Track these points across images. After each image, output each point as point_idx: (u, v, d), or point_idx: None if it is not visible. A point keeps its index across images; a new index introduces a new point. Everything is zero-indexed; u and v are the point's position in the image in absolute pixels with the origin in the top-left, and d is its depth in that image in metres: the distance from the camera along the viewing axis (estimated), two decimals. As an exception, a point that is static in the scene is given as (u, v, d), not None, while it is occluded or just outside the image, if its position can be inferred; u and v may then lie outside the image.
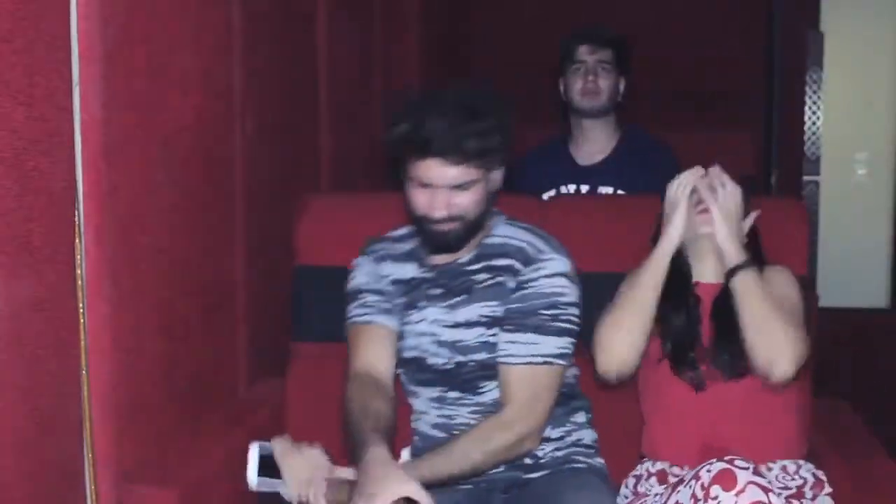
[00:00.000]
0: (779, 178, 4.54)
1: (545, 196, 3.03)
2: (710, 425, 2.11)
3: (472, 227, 2.10)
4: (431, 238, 2.11)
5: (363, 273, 2.23)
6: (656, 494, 2.08)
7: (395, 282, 2.20)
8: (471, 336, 2.12)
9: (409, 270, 2.20)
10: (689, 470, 2.07)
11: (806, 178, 4.70)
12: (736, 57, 4.56)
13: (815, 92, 4.71)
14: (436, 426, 2.18)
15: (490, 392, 2.13)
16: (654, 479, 2.13)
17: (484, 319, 2.12)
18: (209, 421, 2.22)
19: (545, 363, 2.05)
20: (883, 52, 5.09)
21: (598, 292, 2.17)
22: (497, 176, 2.11)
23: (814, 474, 2.09)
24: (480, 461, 2.01)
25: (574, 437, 2.18)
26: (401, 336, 2.18)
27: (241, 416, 2.32)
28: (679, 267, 2.17)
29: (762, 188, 4.33)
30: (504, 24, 4.89)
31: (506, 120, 2.08)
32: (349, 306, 2.21)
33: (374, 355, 2.14)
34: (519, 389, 2.04)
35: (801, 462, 2.11)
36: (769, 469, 2.07)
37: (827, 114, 4.77)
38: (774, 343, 2.02)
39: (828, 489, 2.06)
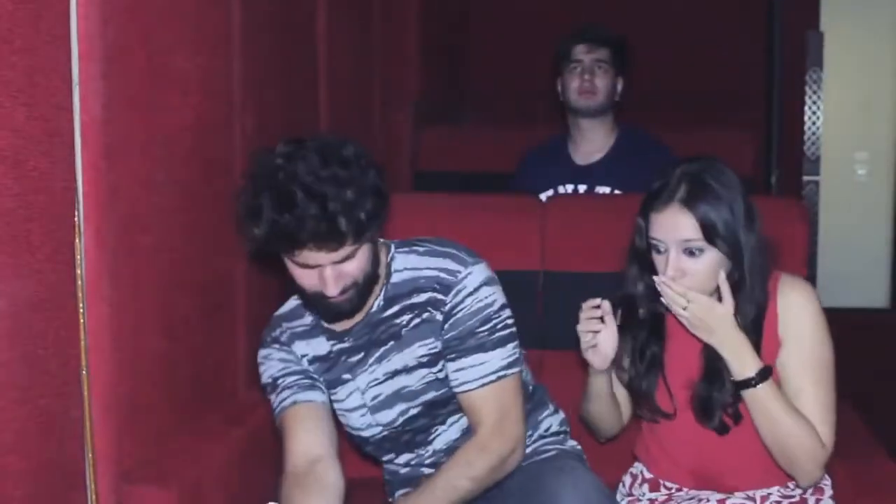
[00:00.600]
0: (779, 178, 4.54)
1: (543, 196, 3.04)
2: (703, 453, 2.01)
3: (368, 285, 1.96)
4: (328, 311, 1.97)
5: (273, 363, 2.09)
6: (649, 500, 2.07)
7: (314, 359, 2.09)
8: (414, 380, 2.04)
9: (321, 344, 2.08)
10: (678, 490, 2.05)
11: (806, 178, 4.70)
12: (736, 57, 4.55)
13: (815, 92, 4.71)
14: (405, 466, 2.15)
15: (441, 435, 2.09)
16: (646, 486, 2.11)
17: (425, 360, 2.03)
18: (209, 421, 2.22)
19: (499, 378, 1.99)
20: (883, 52, 5.09)
21: (593, 292, 2.15)
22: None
23: None
24: (468, 489, 1.96)
25: (540, 430, 2.16)
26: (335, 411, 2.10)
27: (240, 417, 2.32)
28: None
29: (762, 188, 4.33)
30: (504, 23, 4.89)
31: (374, 177, 1.87)
32: (271, 398, 2.07)
33: (308, 440, 1.99)
34: (485, 412, 1.98)
35: None
36: (766, 498, 2.00)
37: (827, 114, 4.77)
38: (793, 462, 1.90)
39: (829, 492, 2.04)
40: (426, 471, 2.09)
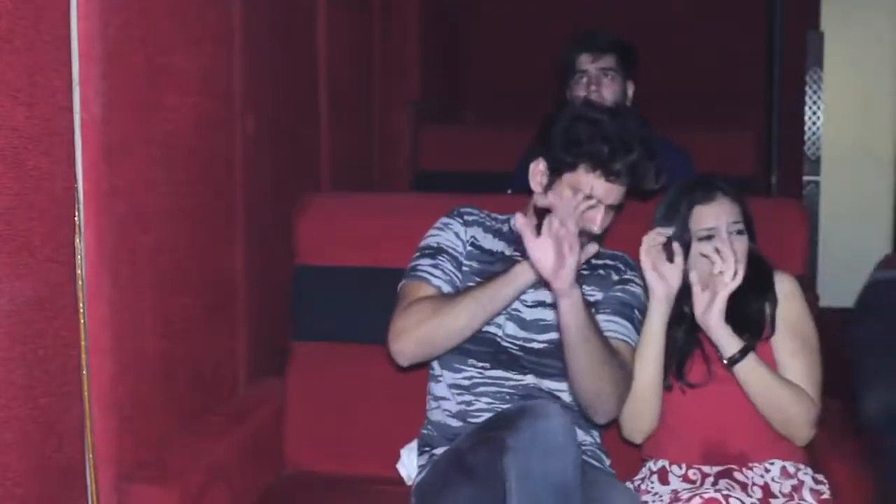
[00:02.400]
0: (779, 179, 4.54)
1: None
2: (710, 424, 2.11)
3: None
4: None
5: (448, 234, 2.22)
6: (656, 493, 2.08)
7: (476, 246, 2.22)
8: (552, 315, 2.12)
9: (498, 245, 2.23)
10: (688, 468, 2.10)
11: (806, 178, 4.70)
12: (736, 57, 4.55)
13: (815, 92, 4.71)
14: (453, 415, 2.16)
15: (529, 384, 2.14)
16: (655, 478, 2.13)
17: None
18: (209, 421, 2.22)
19: (632, 348, 2.13)
20: (883, 52, 5.09)
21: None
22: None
23: (813, 478, 2.08)
24: (611, 366, 2.04)
25: (596, 438, 2.22)
26: None
27: (241, 416, 2.32)
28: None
29: (762, 188, 4.33)
30: (504, 23, 4.89)
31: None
32: (423, 260, 2.19)
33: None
34: (625, 356, 2.11)
35: (801, 466, 2.10)
36: (767, 470, 2.08)
37: (827, 114, 4.77)
38: (788, 420, 2.08)
39: (826, 495, 2.06)
40: (472, 421, 2.11)
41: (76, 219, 1.73)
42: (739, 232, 2.14)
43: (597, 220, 2.09)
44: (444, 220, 2.25)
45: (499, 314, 2.12)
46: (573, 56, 3.09)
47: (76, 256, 1.73)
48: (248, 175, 2.44)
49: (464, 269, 2.20)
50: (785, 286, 2.18)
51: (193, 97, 2.15)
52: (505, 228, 2.27)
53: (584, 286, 2.15)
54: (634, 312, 2.17)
